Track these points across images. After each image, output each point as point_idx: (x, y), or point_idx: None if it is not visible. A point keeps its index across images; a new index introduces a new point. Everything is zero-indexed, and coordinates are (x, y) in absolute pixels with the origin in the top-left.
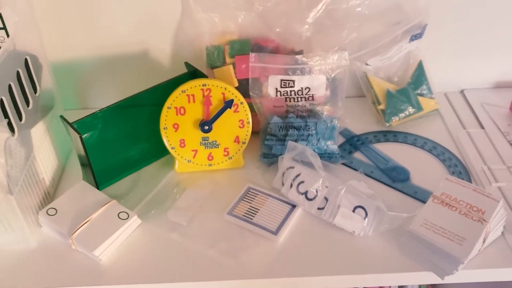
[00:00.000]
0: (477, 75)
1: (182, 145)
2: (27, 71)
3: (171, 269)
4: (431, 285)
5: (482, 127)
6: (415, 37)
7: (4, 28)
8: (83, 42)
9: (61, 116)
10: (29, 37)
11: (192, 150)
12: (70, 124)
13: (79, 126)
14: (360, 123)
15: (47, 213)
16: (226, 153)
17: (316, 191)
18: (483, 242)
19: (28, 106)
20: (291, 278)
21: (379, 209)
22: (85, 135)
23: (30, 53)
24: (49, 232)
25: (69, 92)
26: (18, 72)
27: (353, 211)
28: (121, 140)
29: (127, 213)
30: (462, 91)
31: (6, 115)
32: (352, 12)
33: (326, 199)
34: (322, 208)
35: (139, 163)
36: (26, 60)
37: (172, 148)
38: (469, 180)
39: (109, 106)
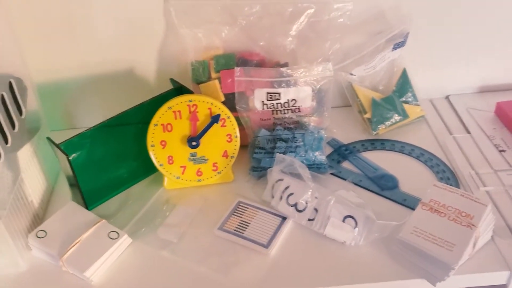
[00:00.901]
0: (461, 80)
1: (170, 161)
2: (12, 94)
3: (163, 287)
4: None
5: (468, 132)
6: (398, 45)
7: None
8: (67, 62)
9: (48, 138)
10: (12, 60)
11: (181, 167)
12: (57, 145)
13: (66, 147)
14: (347, 132)
15: (36, 235)
16: (215, 168)
17: (306, 203)
18: (473, 247)
19: (14, 129)
20: None
21: (368, 218)
22: (73, 155)
23: (14, 75)
24: (40, 255)
25: (56, 113)
26: (2, 96)
27: (343, 221)
28: (109, 159)
29: (117, 233)
30: (447, 97)
31: None
32: (334, 23)
33: (316, 210)
34: (313, 219)
35: (128, 182)
36: (10, 83)
37: (160, 165)
38: (457, 185)
39: (95, 125)
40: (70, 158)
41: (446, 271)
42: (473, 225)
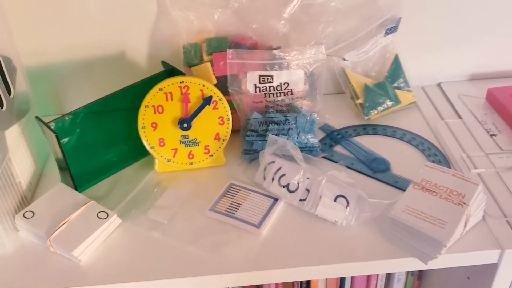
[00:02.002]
0: (453, 68)
1: (162, 144)
2: (1, 73)
3: (153, 267)
4: (418, 274)
5: (460, 117)
6: (390, 30)
7: None
8: (58, 46)
9: (36, 117)
10: (0, 40)
11: (172, 149)
12: (45, 124)
13: (56, 128)
14: (339, 118)
15: (24, 216)
16: (206, 151)
17: (298, 183)
18: (465, 225)
19: (1, 107)
20: (275, 270)
21: (360, 197)
22: (63, 140)
23: (2, 55)
24: (27, 236)
25: (46, 97)
26: None
27: (335, 200)
28: (99, 143)
29: (107, 213)
30: (439, 84)
31: None
32: (327, 6)
33: (307, 190)
34: (304, 200)
35: (119, 165)
36: None
37: (151, 147)
38: (449, 168)
39: (86, 105)
40: (61, 141)
41: (437, 248)
42: (464, 203)
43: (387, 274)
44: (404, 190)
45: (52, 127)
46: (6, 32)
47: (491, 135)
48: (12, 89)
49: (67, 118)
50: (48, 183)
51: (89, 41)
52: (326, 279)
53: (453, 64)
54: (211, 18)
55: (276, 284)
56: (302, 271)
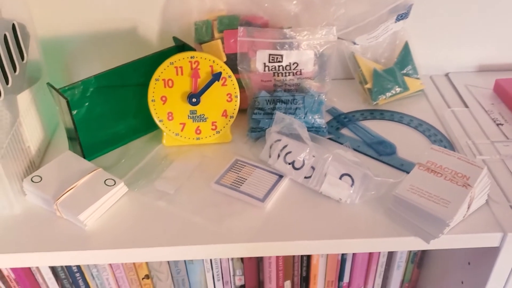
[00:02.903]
0: (462, 58)
1: (170, 118)
2: (15, 37)
3: (157, 234)
4: (418, 262)
5: (467, 106)
6: (401, 17)
7: None
8: (71, 18)
9: (48, 83)
10: (16, 4)
11: (180, 123)
12: (57, 90)
13: (68, 95)
14: (347, 102)
15: (31, 180)
16: (214, 127)
17: (303, 161)
18: (468, 207)
19: (15, 71)
20: (277, 242)
21: (366, 176)
22: (74, 111)
23: (18, 21)
24: (34, 200)
25: (56, 69)
26: (5, 36)
27: (340, 178)
28: (109, 116)
29: (114, 180)
30: (447, 74)
31: None
32: None
33: (313, 168)
34: (309, 177)
35: (127, 137)
36: (13, 25)
37: (160, 121)
38: None
39: (97, 74)
40: (69, 101)
41: (440, 227)
42: (468, 185)
43: (387, 260)
44: (409, 173)
45: (65, 95)
46: (22, 1)
47: (498, 124)
48: (25, 54)
49: (77, 88)
50: (56, 151)
51: (102, 15)
52: (327, 263)
53: (462, 55)
54: None
55: (277, 261)
56: (303, 244)
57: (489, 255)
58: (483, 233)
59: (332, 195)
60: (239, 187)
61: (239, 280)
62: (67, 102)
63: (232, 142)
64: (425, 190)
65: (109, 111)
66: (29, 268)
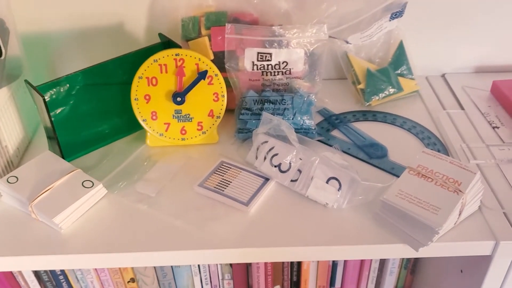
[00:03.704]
0: (458, 59)
1: (154, 117)
2: None
3: (136, 239)
4: (412, 268)
5: (462, 108)
6: (395, 15)
7: None
8: (55, 14)
9: (26, 80)
10: None
11: (165, 123)
12: (33, 87)
13: (49, 99)
14: (339, 103)
15: (7, 181)
16: (199, 127)
17: (290, 163)
18: (459, 214)
19: None
20: (261, 248)
21: (353, 180)
22: (56, 110)
23: None
24: (9, 201)
25: (40, 66)
26: None
27: (327, 182)
28: (92, 115)
29: (92, 182)
30: (443, 75)
31: None
32: None
33: (299, 171)
34: (295, 180)
35: (110, 137)
36: None
37: (143, 120)
38: None
39: (79, 70)
40: (45, 99)
41: (429, 235)
42: (460, 191)
43: (379, 266)
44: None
45: (44, 95)
46: None
47: (494, 127)
48: (3, 50)
49: (61, 88)
50: (37, 151)
51: (87, 11)
52: (318, 268)
53: (459, 55)
54: None
55: (266, 266)
56: (289, 251)
57: (482, 263)
58: (475, 241)
59: (318, 199)
60: (223, 190)
61: (228, 284)
62: (43, 100)
63: (219, 143)
64: (415, 195)
65: (92, 110)
66: (10, 271)
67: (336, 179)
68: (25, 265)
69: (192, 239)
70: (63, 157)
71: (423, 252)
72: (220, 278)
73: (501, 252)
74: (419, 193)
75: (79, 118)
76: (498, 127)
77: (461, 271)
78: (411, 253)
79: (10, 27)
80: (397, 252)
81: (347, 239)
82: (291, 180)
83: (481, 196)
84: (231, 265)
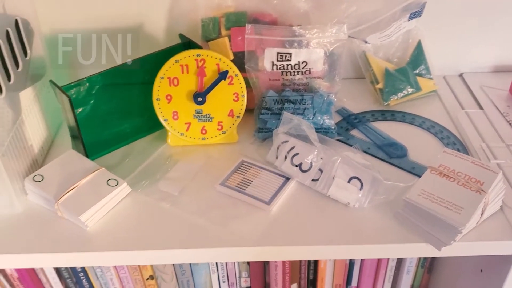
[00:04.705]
0: (477, 58)
1: (175, 117)
2: (18, 33)
3: (159, 237)
4: (429, 266)
5: (481, 108)
6: (414, 15)
7: None
8: (77, 15)
9: (51, 81)
10: (20, 2)
11: (185, 123)
12: (59, 88)
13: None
14: (358, 103)
15: (33, 179)
16: (220, 127)
17: (311, 163)
18: (482, 214)
19: (17, 68)
20: (282, 247)
21: (375, 179)
22: (78, 109)
23: (21, 17)
24: (36, 200)
25: (62, 67)
26: (7, 32)
27: (349, 182)
28: (113, 115)
29: (117, 180)
30: (461, 75)
31: None
32: None
33: (320, 170)
34: (317, 180)
35: (132, 137)
36: (16, 21)
37: (164, 120)
38: None
39: (101, 71)
40: (71, 99)
41: (452, 234)
42: (483, 190)
43: (396, 265)
44: (420, 177)
45: (66, 92)
46: None
47: None
48: (28, 51)
49: (82, 86)
50: (59, 149)
51: (109, 12)
52: (334, 267)
53: (477, 55)
54: None
55: (283, 264)
56: (310, 250)
57: (503, 263)
58: (497, 241)
59: (340, 199)
60: (244, 189)
61: (245, 282)
62: (70, 100)
63: (239, 142)
64: (437, 195)
65: (113, 110)
66: (33, 268)
67: (358, 178)
68: (52, 262)
69: (215, 237)
70: (87, 156)
71: (445, 252)
72: (237, 275)
73: None
74: (441, 192)
75: (100, 117)
76: None
77: (481, 271)
78: (433, 252)
79: (34, 28)
80: (419, 251)
81: (368, 238)
82: (312, 180)
83: (503, 196)
84: (248, 263)
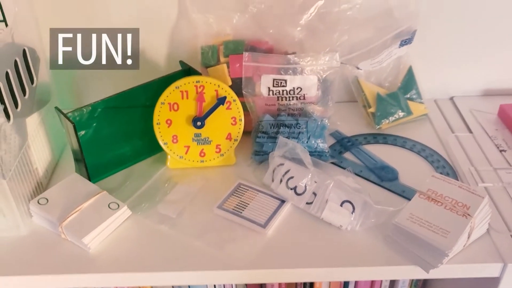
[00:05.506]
0: (466, 82)
1: (175, 141)
2: (25, 62)
3: (159, 259)
4: (423, 283)
5: (470, 132)
6: (405, 42)
7: (4, 20)
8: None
9: (56, 107)
10: (27, 29)
11: (185, 146)
12: (64, 114)
13: (74, 120)
14: (351, 126)
15: (38, 202)
16: (218, 150)
17: (305, 186)
18: (468, 237)
19: (24, 95)
20: (278, 270)
21: (366, 203)
22: (81, 132)
23: (28, 45)
24: (40, 222)
25: (65, 91)
26: (15, 61)
27: (341, 205)
28: (115, 138)
29: (118, 204)
30: (451, 98)
31: (2, 101)
32: (343, 15)
33: (314, 194)
34: (311, 203)
35: (132, 159)
36: (24, 51)
37: (164, 143)
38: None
39: (104, 98)
40: (75, 126)
41: (439, 257)
42: (469, 214)
43: (390, 285)
44: (410, 200)
45: (71, 119)
46: (33, 24)
47: (501, 151)
48: (35, 78)
49: (85, 111)
50: (63, 172)
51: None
52: (330, 283)
53: (467, 79)
54: (230, 22)
55: (279, 285)
56: (305, 272)
57: (490, 285)
58: (483, 263)
59: (333, 222)
60: (241, 212)
61: None
62: (74, 126)
63: (236, 164)
64: (425, 219)
65: (115, 133)
66: None
67: (350, 202)
68: (55, 283)
69: (211, 260)
70: (89, 179)
71: (433, 274)
72: None
73: (509, 274)
74: (429, 216)
75: (103, 140)
76: (505, 151)
77: None
78: (422, 274)
79: (40, 56)
80: (408, 273)
81: (360, 261)
82: (307, 203)
83: (489, 219)
84: (245, 284)
